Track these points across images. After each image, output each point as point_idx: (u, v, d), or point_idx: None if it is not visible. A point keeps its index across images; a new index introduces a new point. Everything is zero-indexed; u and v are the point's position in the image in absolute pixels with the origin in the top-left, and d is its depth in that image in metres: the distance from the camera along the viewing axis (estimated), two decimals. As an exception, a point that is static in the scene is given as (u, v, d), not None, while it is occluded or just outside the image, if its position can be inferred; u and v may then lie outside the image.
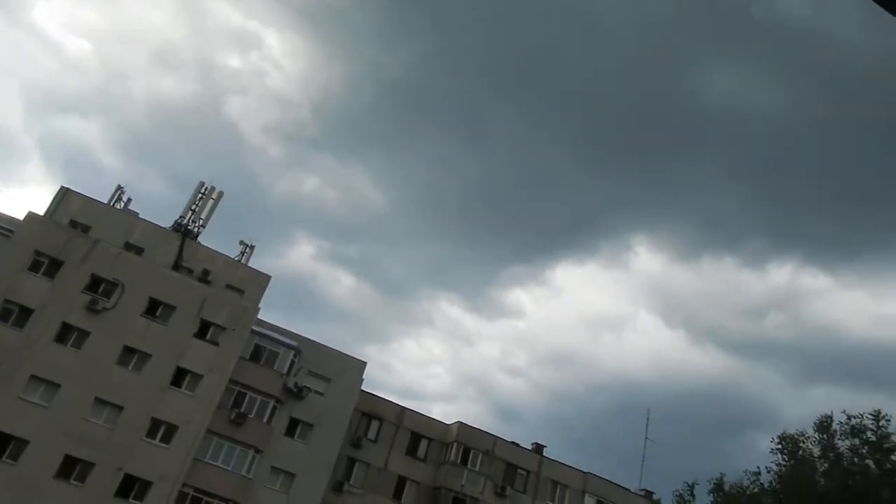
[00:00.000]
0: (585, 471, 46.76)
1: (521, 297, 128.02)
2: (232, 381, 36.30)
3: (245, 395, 36.81)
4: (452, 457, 42.83)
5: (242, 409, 36.17)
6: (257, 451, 36.03)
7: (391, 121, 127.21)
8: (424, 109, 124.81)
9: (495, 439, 44.87)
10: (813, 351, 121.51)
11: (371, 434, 42.22)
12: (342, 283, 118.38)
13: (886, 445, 16.47)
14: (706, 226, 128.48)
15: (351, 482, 40.31)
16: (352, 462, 40.93)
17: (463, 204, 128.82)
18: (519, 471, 44.76)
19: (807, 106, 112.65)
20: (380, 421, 42.67)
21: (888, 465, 16.22)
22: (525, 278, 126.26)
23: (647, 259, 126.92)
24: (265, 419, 36.93)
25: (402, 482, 41.95)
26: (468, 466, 42.81)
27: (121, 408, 33.17)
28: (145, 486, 32.55)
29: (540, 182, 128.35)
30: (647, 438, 48.60)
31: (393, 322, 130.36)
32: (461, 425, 44.08)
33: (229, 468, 34.99)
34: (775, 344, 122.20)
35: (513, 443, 46.41)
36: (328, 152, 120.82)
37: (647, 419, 51.31)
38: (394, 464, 42.02)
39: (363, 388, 41.99)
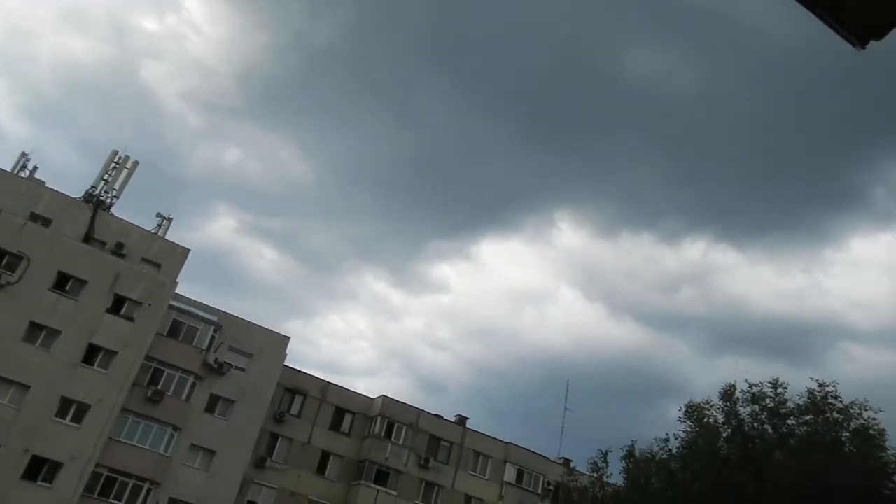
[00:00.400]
0: (507, 441, 48.01)
1: (446, 271, 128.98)
2: (148, 357, 35.21)
3: (162, 371, 35.80)
4: (376, 430, 43.11)
5: (159, 387, 35.19)
6: (175, 428, 35.20)
7: (317, 92, 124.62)
8: (352, 81, 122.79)
9: (419, 412, 45.41)
10: (721, 323, 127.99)
11: (294, 409, 41.95)
12: (265, 257, 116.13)
13: (783, 411, 17.61)
14: (627, 203, 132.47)
15: (273, 458, 40.03)
16: (274, 438, 40.60)
17: (390, 177, 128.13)
18: (442, 443, 45.53)
19: (726, 87, 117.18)
20: (303, 396, 42.43)
21: (783, 430, 17.38)
22: (450, 253, 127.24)
23: (570, 234, 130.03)
24: (184, 396, 36.07)
25: (325, 456, 41.99)
26: (392, 439, 43.23)
27: (27, 387, 31.68)
28: (55, 467, 31.32)
29: (467, 157, 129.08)
30: (566, 409, 50.35)
31: (317, 297, 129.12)
32: (385, 399, 44.37)
33: (146, 447, 34.09)
34: (687, 317, 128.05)
35: (436, 415, 47.10)
36: (251, 122, 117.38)
37: (567, 390, 53.21)
38: (317, 438, 41.95)
39: (286, 363, 41.58)
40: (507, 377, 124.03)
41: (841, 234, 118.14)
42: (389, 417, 43.72)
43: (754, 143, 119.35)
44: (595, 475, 21.15)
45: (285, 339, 41.65)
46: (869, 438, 16.92)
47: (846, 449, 16.60)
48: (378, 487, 41.76)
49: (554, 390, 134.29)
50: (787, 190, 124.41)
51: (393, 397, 44.92)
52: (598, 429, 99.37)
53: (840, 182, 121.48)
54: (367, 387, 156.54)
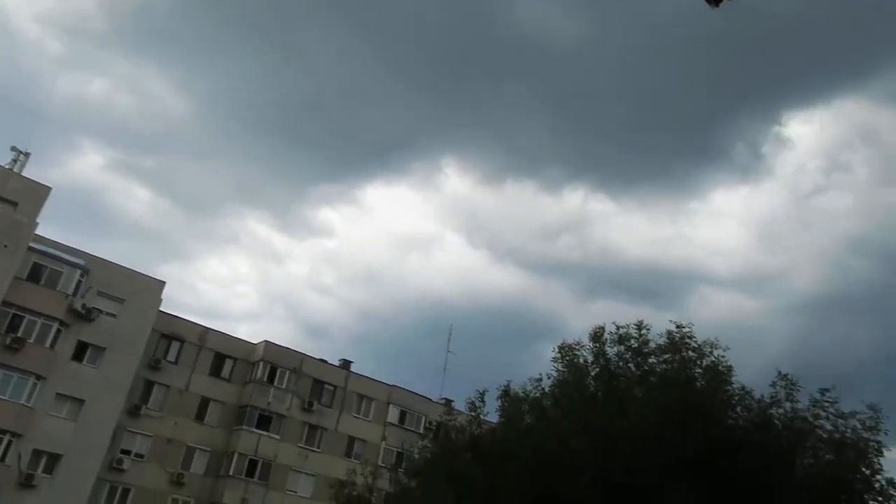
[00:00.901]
0: (391, 384, 48.90)
1: (331, 215, 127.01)
2: (6, 303, 32.72)
3: (23, 318, 33.44)
4: (258, 375, 42.59)
5: (19, 334, 32.89)
6: (39, 377, 33.17)
7: (196, 23, 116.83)
8: (235, 14, 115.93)
9: (303, 357, 45.22)
10: (596, 269, 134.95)
11: (171, 356, 40.61)
12: (138, 198, 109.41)
13: (645, 350, 18.97)
14: (512, 151, 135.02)
15: (149, 405, 38.79)
16: (150, 385, 39.25)
17: (274, 118, 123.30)
18: (326, 386, 45.74)
19: (609, 41, 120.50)
20: (181, 342, 41.09)
21: (645, 368, 18.76)
22: (336, 197, 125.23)
23: (456, 181, 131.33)
24: (47, 343, 33.94)
25: (205, 403, 41.14)
26: (275, 384, 42.91)
27: None
28: None
29: (355, 100, 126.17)
30: (448, 352, 51.79)
31: (196, 240, 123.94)
32: (268, 344, 43.80)
33: (6, 397, 31.99)
34: (565, 263, 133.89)
35: (321, 360, 47.12)
36: (119, 51, 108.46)
37: (450, 334, 54.45)
38: (196, 385, 40.94)
39: (162, 308, 39.95)
40: (392, 322, 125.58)
41: (704, 187, 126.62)
42: (272, 362, 43.26)
43: (631, 97, 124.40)
44: (473, 414, 21.97)
45: (160, 284, 39.90)
46: (718, 374, 18.57)
47: (698, 384, 18.13)
48: (260, 432, 41.53)
49: (438, 334, 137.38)
50: (658, 143, 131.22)
51: (276, 342, 44.41)
52: (480, 371, 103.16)
53: (705, 137, 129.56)
54: (250, 332, 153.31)
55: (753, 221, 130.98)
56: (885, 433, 17.89)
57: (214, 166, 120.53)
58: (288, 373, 43.74)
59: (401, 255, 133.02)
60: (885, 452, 18.10)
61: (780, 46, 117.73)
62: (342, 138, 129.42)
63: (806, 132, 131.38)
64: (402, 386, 49.28)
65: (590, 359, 19.40)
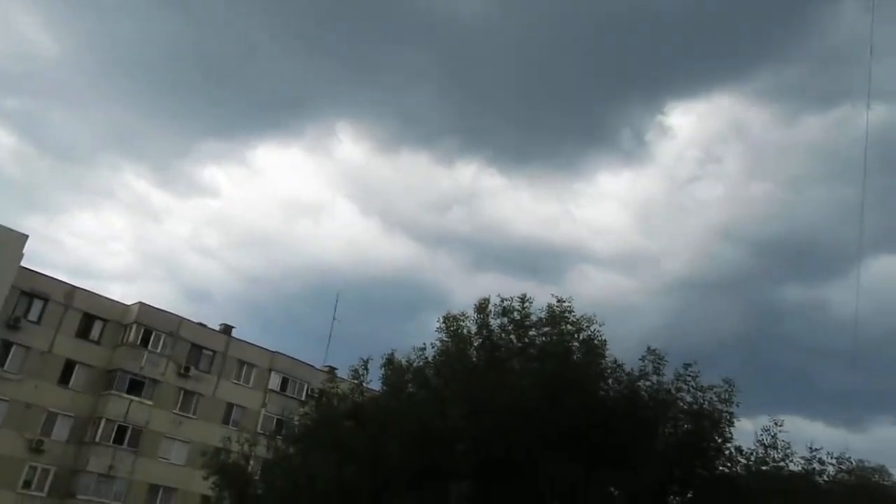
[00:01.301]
0: (273, 350, 47.92)
1: (217, 174, 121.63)
2: None
3: None
4: (131, 338, 40.52)
5: None
6: None
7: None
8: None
9: (181, 320, 43.40)
10: (484, 243, 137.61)
11: (33, 315, 37.85)
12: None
13: (527, 323, 19.50)
14: (408, 120, 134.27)
15: (6, 367, 36.11)
16: (7, 345, 36.50)
17: (158, 66, 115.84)
18: (205, 351, 44.20)
19: (509, 17, 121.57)
20: (44, 301, 38.32)
21: (525, 340, 19.28)
22: (223, 155, 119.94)
23: (351, 147, 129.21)
24: None
25: (70, 366, 38.74)
26: (149, 348, 40.98)
27: None
28: None
29: (247, 55, 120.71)
30: (335, 319, 51.27)
31: (64, 191, 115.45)
32: (142, 306, 41.65)
33: None
34: (455, 235, 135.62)
35: (200, 324, 45.41)
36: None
37: (337, 301, 53.96)
38: (60, 346, 38.41)
39: (24, 264, 37.01)
40: (278, 287, 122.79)
41: (590, 169, 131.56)
42: (147, 325, 41.24)
43: (527, 76, 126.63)
44: (356, 382, 21.84)
45: (22, 237, 36.92)
46: (593, 348, 19.40)
47: (574, 357, 18.86)
48: (131, 397, 39.68)
49: (325, 302, 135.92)
50: (550, 123, 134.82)
51: (151, 304, 42.34)
52: (367, 340, 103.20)
53: (594, 121, 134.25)
54: (124, 293, 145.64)
55: (634, 204, 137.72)
56: (737, 405, 19.39)
57: (89, 113, 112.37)
58: (164, 336, 41.85)
59: (290, 219, 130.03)
60: (736, 422, 19.68)
61: (670, 37, 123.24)
62: (233, 94, 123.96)
63: (686, 123, 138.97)
64: (286, 353, 48.46)
65: (473, 330, 19.69)
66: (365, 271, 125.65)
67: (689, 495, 19.60)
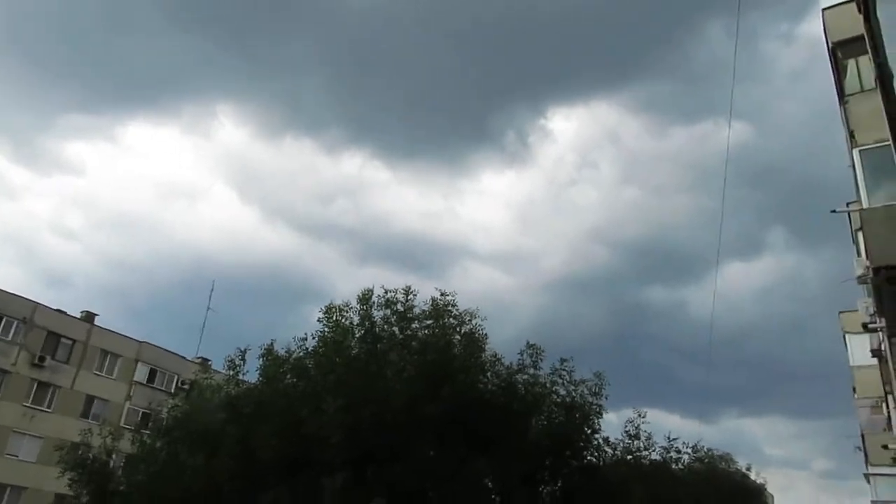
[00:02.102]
0: (141, 340, 45.37)
1: (83, 151, 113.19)
2: None
3: None
4: (-23, 325, 36.98)
5: None
6: None
7: None
8: None
9: (35, 305, 40.09)
10: (368, 236, 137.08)
11: None
12: None
13: (409, 315, 19.55)
14: (294, 107, 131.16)
15: None
16: None
17: (13, 33, 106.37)
18: (63, 340, 41.09)
19: (402, 11, 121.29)
20: None
21: (408, 332, 19.37)
22: (90, 131, 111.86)
23: (232, 130, 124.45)
24: None
25: None
26: (-2, 335, 37.58)
27: None
28: None
29: (120, 27, 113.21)
30: (209, 309, 49.26)
31: None
32: (-8, 289, 38.12)
33: None
34: (339, 227, 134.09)
35: (58, 310, 42.13)
36: None
37: (212, 290, 51.92)
38: None
39: None
40: (149, 273, 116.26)
41: (476, 168, 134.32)
42: (-5, 310, 37.79)
43: (416, 71, 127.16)
44: (231, 373, 21.07)
45: None
46: (474, 341, 19.79)
47: (455, 350, 19.16)
48: (-25, 389, 36.23)
49: (199, 290, 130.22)
50: (437, 121, 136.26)
51: (1, 288, 38.81)
52: (244, 330, 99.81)
53: (480, 121, 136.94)
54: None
55: (515, 204, 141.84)
56: (606, 398, 20.49)
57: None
58: (16, 322, 38.53)
59: (163, 203, 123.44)
60: (604, 414, 20.79)
61: (555, 45, 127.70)
62: (103, 68, 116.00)
63: (566, 128, 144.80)
64: (154, 343, 45.98)
65: (356, 321, 19.52)
66: (243, 260, 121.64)
67: (558, 484, 20.44)
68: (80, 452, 22.63)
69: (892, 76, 4.81)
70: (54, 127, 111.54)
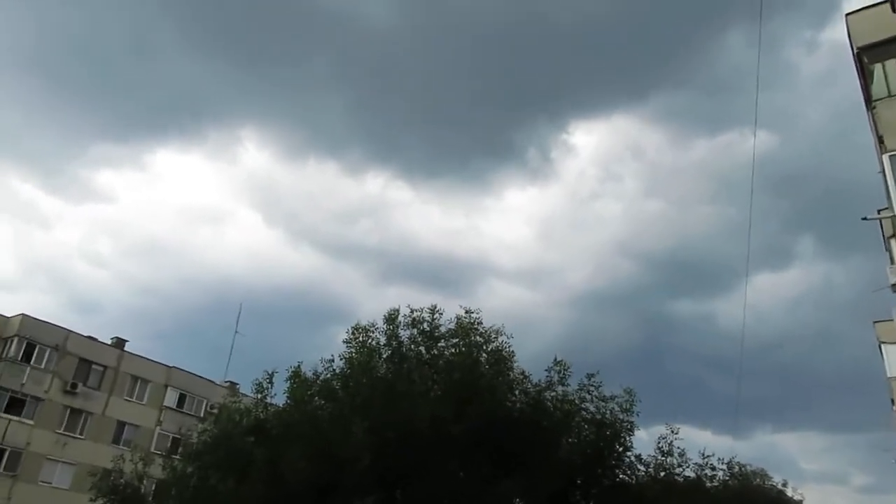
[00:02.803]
0: (170, 365, 45.77)
1: (112, 179, 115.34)
2: None
3: None
4: (12, 353, 37.65)
5: None
6: None
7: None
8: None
9: (68, 333, 40.72)
10: (392, 255, 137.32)
11: None
12: None
13: (436, 334, 19.47)
14: (316, 129, 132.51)
15: None
16: None
17: (42, 60, 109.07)
18: (94, 366, 41.60)
19: (419, 30, 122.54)
20: None
21: (434, 352, 19.28)
22: (120, 159, 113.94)
23: (255, 154, 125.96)
24: None
25: (-61, 383, 35.49)
26: (32, 363, 38.19)
27: None
28: None
29: (146, 53, 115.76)
30: (236, 332, 49.46)
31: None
32: (25, 318, 38.82)
33: None
34: (362, 247, 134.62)
35: (89, 337, 42.78)
36: None
37: (239, 313, 52.16)
38: (-72, 362, 35.19)
39: None
40: (176, 299, 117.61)
41: (498, 185, 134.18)
42: (29, 338, 38.44)
43: (437, 90, 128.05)
44: (259, 396, 21.10)
45: None
46: (501, 359, 19.63)
47: (482, 369, 19.02)
48: (10, 417, 36.77)
49: (225, 314, 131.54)
50: (458, 138, 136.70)
51: (35, 316, 39.50)
52: (270, 353, 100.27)
53: (502, 139, 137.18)
54: (4, 304, 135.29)
55: (538, 220, 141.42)
56: (637, 415, 20.17)
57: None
58: (49, 350, 39.13)
59: (190, 228, 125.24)
60: (636, 431, 20.46)
61: (575, 60, 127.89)
62: (130, 95, 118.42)
63: (588, 142, 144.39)
64: (183, 367, 46.36)
65: (382, 341, 19.48)
66: (268, 283, 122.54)
67: (590, 502, 20.11)
68: (112, 479, 22.80)
69: None
70: (85, 155, 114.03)
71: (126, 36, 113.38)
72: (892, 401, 30.44)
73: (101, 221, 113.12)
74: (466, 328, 19.51)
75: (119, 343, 44.43)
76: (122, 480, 22.92)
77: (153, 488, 24.57)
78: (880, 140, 14.93)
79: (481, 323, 19.83)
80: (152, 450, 34.63)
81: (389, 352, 19.28)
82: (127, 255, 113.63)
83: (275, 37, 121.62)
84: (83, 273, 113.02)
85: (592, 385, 20.06)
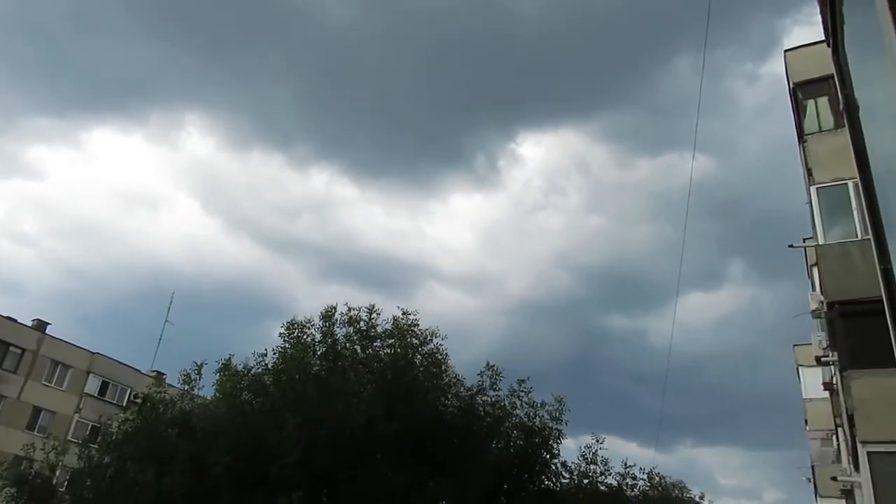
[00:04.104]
0: (94, 351, 44.16)
1: (44, 155, 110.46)
2: None
3: None
4: (-80, 330, 35.65)
5: None
6: None
7: None
8: None
9: (-17, 313, 38.84)
10: (333, 253, 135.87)
11: None
12: None
13: (372, 334, 19.43)
14: (263, 120, 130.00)
15: None
16: None
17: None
18: (12, 348, 39.78)
19: (377, 29, 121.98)
20: None
21: (370, 351, 19.23)
22: (54, 135, 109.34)
23: (199, 141, 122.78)
24: None
25: None
26: (-59, 342, 36.26)
27: None
28: None
29: (92, 28, 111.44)
30: (166, 321, 48.04)
31: None
32: (-61, 293, 36.82)
33: None
34: (303, 243, 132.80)
35: (8, 318, 40.83)
36: None
37: (171, 302, 50.62)
38: None
39: None
40: (105, 283, 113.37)
41: (445, 189, 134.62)
42: (-60, 315, 36.48)
43: (388, 91, 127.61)
44: (186, 387, 20.58)
45: None
46: (435, 362, 19.74)
47: (416, 371, 19.07)
48: (-87, 397, 34.79)
49: (157, 302, 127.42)
50: (407, 140, 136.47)
51: (-51, 292, 37.53)
52: (201, 344, 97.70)
53: (451, 144, 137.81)
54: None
55: (482, 227, 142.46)
56: (566, 423, 20.54)
57: None
58: (-39, 329, 37.22)
59: (124, 211, 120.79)
60: (564, 440, 20.84)
61: (526, 71, 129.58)
62: (69, 71, 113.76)
63: (535, 154, 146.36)
64: (108, 354, 44.78)
65: (318, 337, 19.31)
66: (204, 272, 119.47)
67: (514, 507, 20.36)
68: (21, 467, 21.81)
69: (858, 108, 4.93)
70: (16, 129, 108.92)
71: (69, 11, 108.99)
72: (806, 421, 31.91)
73: (29, 198, 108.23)
74: (403, 329, 19.54)
75: (40, 325, 42.58)
76: (31, 469, 21.95)
77: (67, 479, 23.62)
78: (809, 172, 15.69)
79: (418, 325, 19.92)
80: (69, 438, 33.32)
81: (324, 349, 19.13)
82: (54, 235, 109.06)
83: (229, 24, 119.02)
84: (5, 251, 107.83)
85: (523, 391, 20.35)
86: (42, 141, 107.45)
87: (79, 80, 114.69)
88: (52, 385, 41.39)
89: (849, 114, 4.85)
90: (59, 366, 41.96)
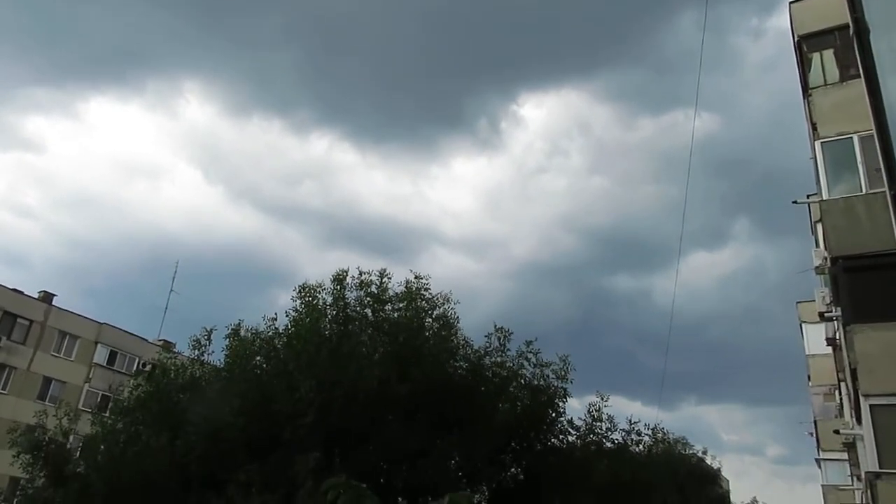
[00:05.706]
0: (101, 321, 44.51)
1: (42, 126, 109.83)
2: None
3: None
4: (-72, 303, 35.88)
5: None
6: None
7: None
8: None
9: (-10, 285, 39.05)
10: (336, 219, 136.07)
11: None
12: None
13: (383, 297, 19.57)
14: (261, 86, 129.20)
15: None
16: None
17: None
18: (20, 320, 40.10)
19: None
20: None
21: (381, 314, 19.39)
22: (52, 106, 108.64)
23: (198, 109, 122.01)
24: None
25: None
26: (-50, 315, 36.52)
27: None
28: None
29: None
30: (172, 290, 48.35)
31: None
32: (-55, 267, 36.98)
33: None
34: (306, 209, 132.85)
35: (14, 290, 41.07)
36: None
37: (175, 271, 50.96)
38: None
39: None
40: (109, 254, 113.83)
41: (446, 153, 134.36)
42: (-53, 289, 36.69)
43: (388, 54, 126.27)
44: (196, 353, 20.80)
45: None
46: (446, 325, 19.95)
47: (427, 333, 19.29)
48: (-75, 369, 35.19)
49: (161, 272, 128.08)
50: (408, 105, 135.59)
51: (-45, 265, 37.67)
52: (207, 313, 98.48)
53: (452, 108, 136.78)
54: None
55: (485, 190, 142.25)
56: (571, 382, 20.83)
57: None
58: (-31, 302, 37.47)
59: (124, 181, 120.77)
60: (569, 400, 21.18)
61: (527, 32, 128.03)
62: (66, 40, 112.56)
63: (537, 115, 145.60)
64: (115, 324, 45.15)
65: (329, 301, 19.42)
66: (207, 241, 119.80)
67: (522, 464, 20.77)
68: (35, 434, 22.11)
69: (868, 31, 4.92)
70: (13, 100, 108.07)
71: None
72: (809, 377, 32.30)
73: (29, 170, 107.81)
74: (414, 293, 19.66)
75: (47, 297, 42.87)
76: (45, 437, 22.26)
77: (80, 445, 23.98)
78: (814, 127, 15.64)
79: (429, 289, 20.04)
80: (80, 407, 33.76)
81: (335, 312, 19.25)
82: (57, 207, 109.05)
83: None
84: (9, 224, 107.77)
85: (531, 352, 20.59)
86: (40, 112, 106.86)
87: (75, 49, 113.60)
88: (61, 356, 41.82)
89: (859, 38, 4.79)
90: (67, 336, 42.34)
